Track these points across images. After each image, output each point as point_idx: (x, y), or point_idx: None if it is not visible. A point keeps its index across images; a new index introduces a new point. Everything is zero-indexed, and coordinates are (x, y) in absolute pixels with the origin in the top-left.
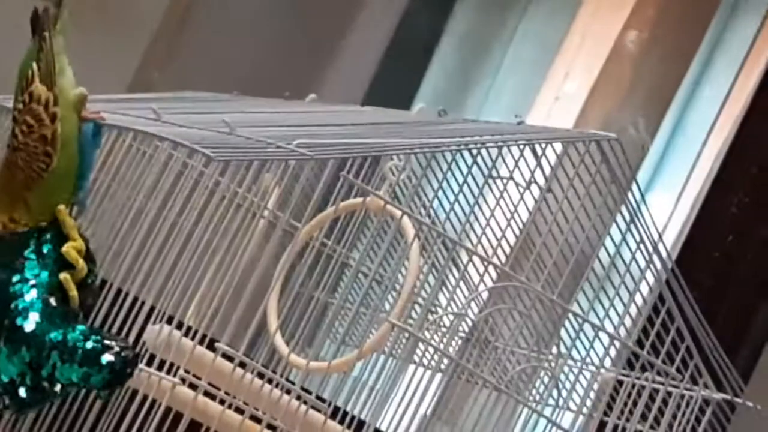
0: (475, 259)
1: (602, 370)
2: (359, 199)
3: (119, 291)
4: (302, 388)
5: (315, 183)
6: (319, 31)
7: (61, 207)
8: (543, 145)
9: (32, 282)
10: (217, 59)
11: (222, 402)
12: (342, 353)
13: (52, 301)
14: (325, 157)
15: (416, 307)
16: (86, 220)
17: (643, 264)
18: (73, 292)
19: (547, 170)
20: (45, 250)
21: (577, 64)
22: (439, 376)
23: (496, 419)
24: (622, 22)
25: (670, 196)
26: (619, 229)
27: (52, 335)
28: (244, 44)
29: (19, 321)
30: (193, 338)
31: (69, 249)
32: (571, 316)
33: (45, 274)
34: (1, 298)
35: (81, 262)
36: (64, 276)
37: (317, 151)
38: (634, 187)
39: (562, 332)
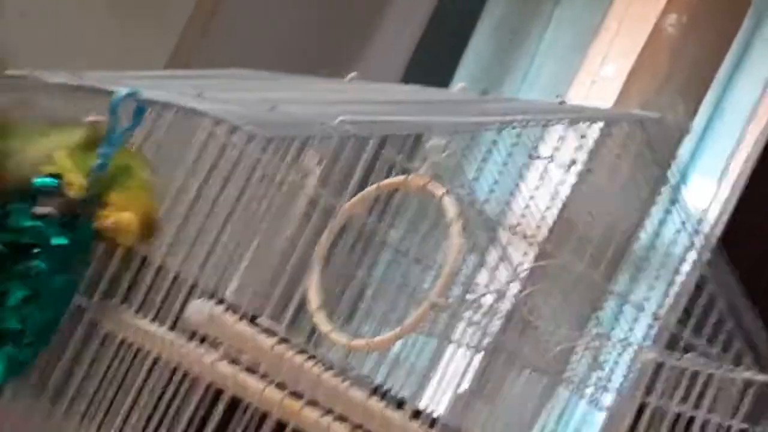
0: (516, 238)
1: (643, 351)
2: (401, 177)
3: (160, 267)
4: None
5: (356, 161)
6: (357, 10)
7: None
8: (586, 125)
9: None
10: (254, 38)
11: (263, 378)
12: (381, 332)
13: None
14: (368, 134)
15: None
16: None
17: (685, 244)
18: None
19: (589, 150)
20: None
21: (614, 49)
22: (478, 355)
23: (536, 398)
24: (661, 5)
25: (711, 179)
26: (662, 210)
27: None
28: (281, 23)
29: None
30: (234, 314)
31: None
32: (612, 296)
33: None
34: None
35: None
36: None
37: (360, 128)
38: (676, 167)
39: (603, 313)
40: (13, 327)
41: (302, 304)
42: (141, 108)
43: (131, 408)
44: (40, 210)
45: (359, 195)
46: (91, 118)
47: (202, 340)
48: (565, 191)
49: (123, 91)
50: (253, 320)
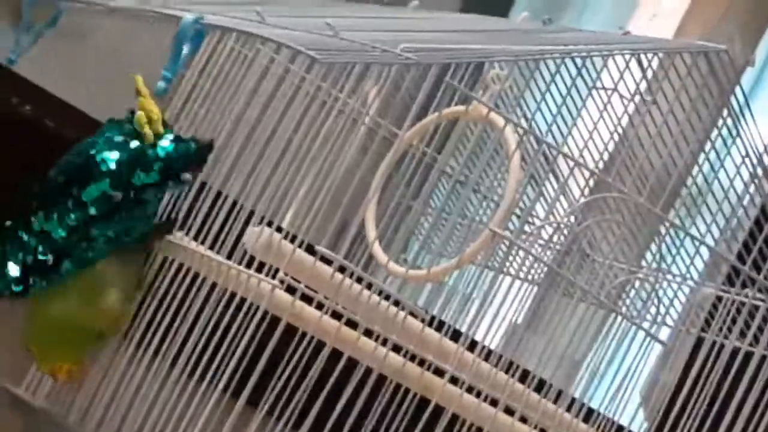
0: (576, 170)
1: (701, 286)
2: (462, 107)
3: (219, 194)
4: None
5: (416, 90)
6: None
7: (139, 76)
8: (649, 56)
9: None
10: None
11: (320, 306)
12: (437, 263)
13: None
14: (430, 61)
15: (514, 218)
16: (187, 122)
17: (746, 178)
18: (145, 129)
19: (653, 82)
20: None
21: None
22: (535, 288)
23: (592, 332)
24: None
25: None
26: (724, 142)
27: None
28: None
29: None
30: (292, 242)
31: (140, 115)
32: (671, 230)
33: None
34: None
35: (147, 129)
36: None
37: (422, 55)
38: (740, 98)
39: (662, 247)
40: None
41: (359, 235)
42: (201, 33)
43: (187, 335)
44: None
45: (419, 124)
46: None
47: (259, 268)
48: (626, 123)
49: (190, 17)
50: (310, 249)
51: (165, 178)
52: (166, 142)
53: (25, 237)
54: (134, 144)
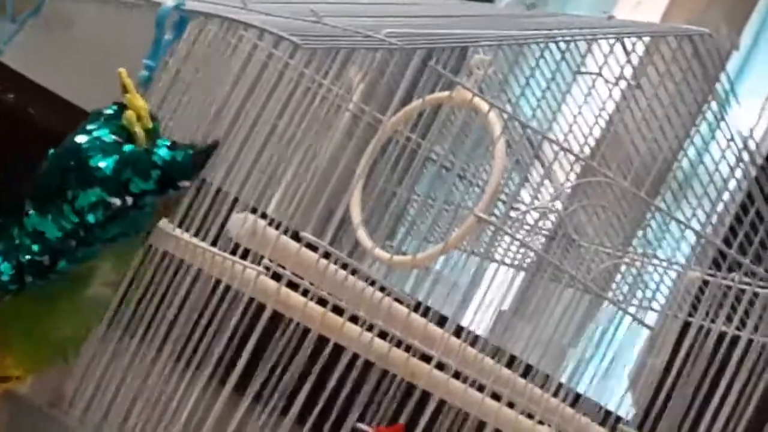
0: (561, 155)
1: (688, 270)
2: (446, 92)
3: (203, 181)
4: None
5: (400, 76)
6: None
7: (122, 70)
8: (634, 40)
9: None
10: None
11: (305, 293)
12: (423, 249)
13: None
14: (413, 47)
15: (500, 203)
16: (170, 110)
17: (731, 162)
18: (136, 129)
19: (638, 66)
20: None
21: None
22: (521, 274)
23: (579, 317)
24: None
25: (758, 98)
26: (709, 126)
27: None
28: None
29: (92, 162)
30: (276, 229)
31: (129, 114)
32: (657, 214)
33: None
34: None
35: (138, 128)
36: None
37: (406, 40)
38: (725, 83)
39: (648, 231)
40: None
41: (344, 221)
42: (184, 19)
43: (172, 323)
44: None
45: (403, 110)
46: None
47: (244, 255)
48: (611, 107)
49: (170, 3)
50: (295, 236)
51: (163, 187)
52: (163, 150)
53: (19, 236)
54: (128, 147)
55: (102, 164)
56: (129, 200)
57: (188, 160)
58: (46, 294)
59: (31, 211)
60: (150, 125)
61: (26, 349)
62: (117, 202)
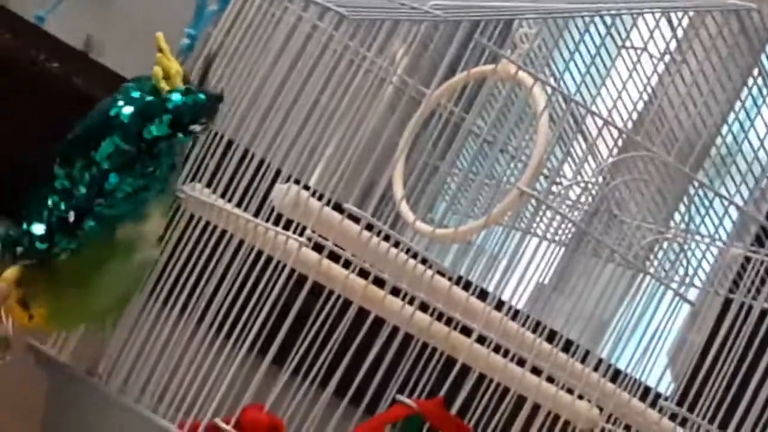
0: (604, 131)
1: (730, 246)
2: (490, 66)
3: (246, 152)
4: None
5: (444, 49)
6: None
7: (160, 34)
8: (679, 15)
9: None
10: None
11: (347, 265)
12: (463, 224)
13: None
14: (458, 19)
15: (541, 179)
16: (215, 79)
17: None
18: (162, 84)
19: (683, 41)
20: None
21: None
22: (562, 249)
23: (619, 293)
24: None
25: None
26: (754, 101)
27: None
28: None
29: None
30: (319, 200)
31: (156, 70)
32: (700, 189)
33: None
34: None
35: (163, 84)
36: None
37: (451, 13)
38: None
39: (691, 207)
40: (106, 213)
41: (386, 194)
42: None
43: (214, 293)
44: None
45: (447, 83)
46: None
47: (286, 227)
48: (655, 82)
49: None
50: (337, 209)
51: (174, 130)
52: (176, 96)
53: (49, 196)
54: (148, 99)
55: (120, 113)
56: (143, 147)
57: (198, 104)
58: (99, 257)
59: (61, 171)
60: (179, 86)
61: (68, 306)
62: (131, 148)
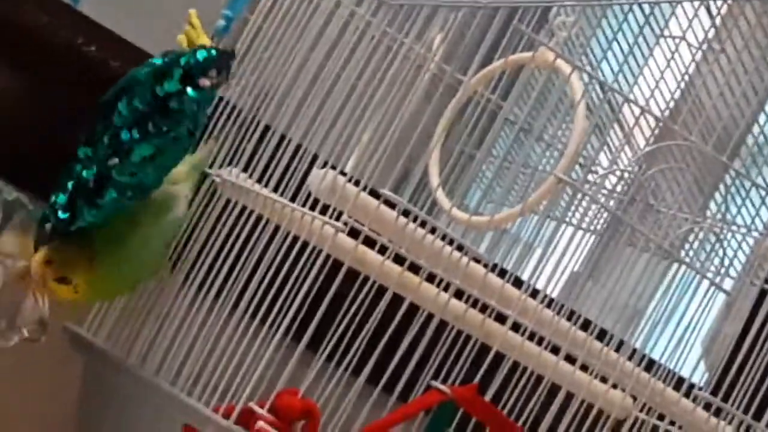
0: (641, 120)
1: (766, 237)
2: (528, 53)
3: (282, 137)
4: None
5: (481, 36)
6: None
7: (193, 11)
8: (718, 4)
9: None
10: None
11: (382, 251)
12: (499, 211)
13: None
14: (496, 5)
15: (577, 168)
16: (251, 65)
17: None
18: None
19: (721, 30)
20: None
21: None
22: (597, 237)
23: (654, 282)
24: None
25: None
26: None
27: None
28: None
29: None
30: (355, 186)
31: (180, 38)
32: (737, 179)
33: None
34: None
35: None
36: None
37: None
38: None
39: (727, 196)
40: (126, 181)
41: (422, 181)
42: None
43: (249, 278)
44: (204, 83)
45: (484, 70)
46: None
47: (323, 212)
48: (693, 71)
49: None
50: (373, 195)
51: (184, 85)
52: (188, 53)
53: (74, 166)
54: (165, 59)
55: (137, 73)
56: (156, 104)
57: (209, 59)
58: (132, 221)
59: (82, 138)
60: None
61: (108, 274)
62: (143, 107)
